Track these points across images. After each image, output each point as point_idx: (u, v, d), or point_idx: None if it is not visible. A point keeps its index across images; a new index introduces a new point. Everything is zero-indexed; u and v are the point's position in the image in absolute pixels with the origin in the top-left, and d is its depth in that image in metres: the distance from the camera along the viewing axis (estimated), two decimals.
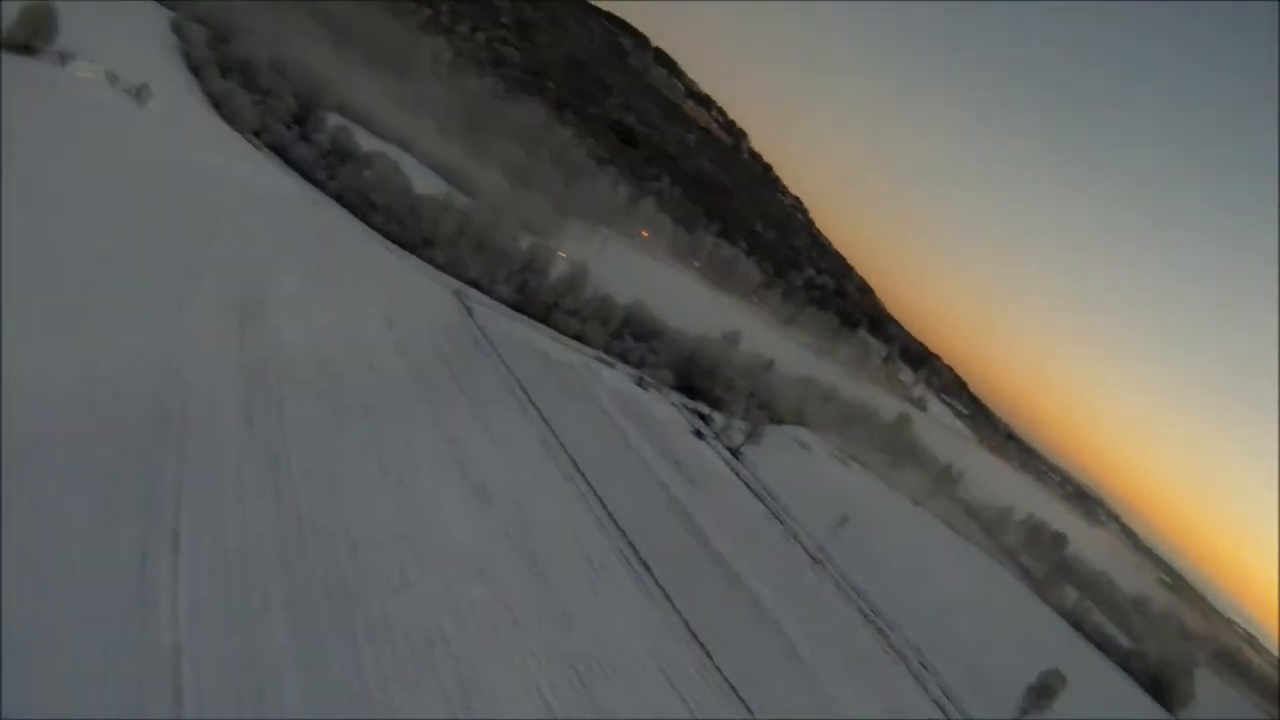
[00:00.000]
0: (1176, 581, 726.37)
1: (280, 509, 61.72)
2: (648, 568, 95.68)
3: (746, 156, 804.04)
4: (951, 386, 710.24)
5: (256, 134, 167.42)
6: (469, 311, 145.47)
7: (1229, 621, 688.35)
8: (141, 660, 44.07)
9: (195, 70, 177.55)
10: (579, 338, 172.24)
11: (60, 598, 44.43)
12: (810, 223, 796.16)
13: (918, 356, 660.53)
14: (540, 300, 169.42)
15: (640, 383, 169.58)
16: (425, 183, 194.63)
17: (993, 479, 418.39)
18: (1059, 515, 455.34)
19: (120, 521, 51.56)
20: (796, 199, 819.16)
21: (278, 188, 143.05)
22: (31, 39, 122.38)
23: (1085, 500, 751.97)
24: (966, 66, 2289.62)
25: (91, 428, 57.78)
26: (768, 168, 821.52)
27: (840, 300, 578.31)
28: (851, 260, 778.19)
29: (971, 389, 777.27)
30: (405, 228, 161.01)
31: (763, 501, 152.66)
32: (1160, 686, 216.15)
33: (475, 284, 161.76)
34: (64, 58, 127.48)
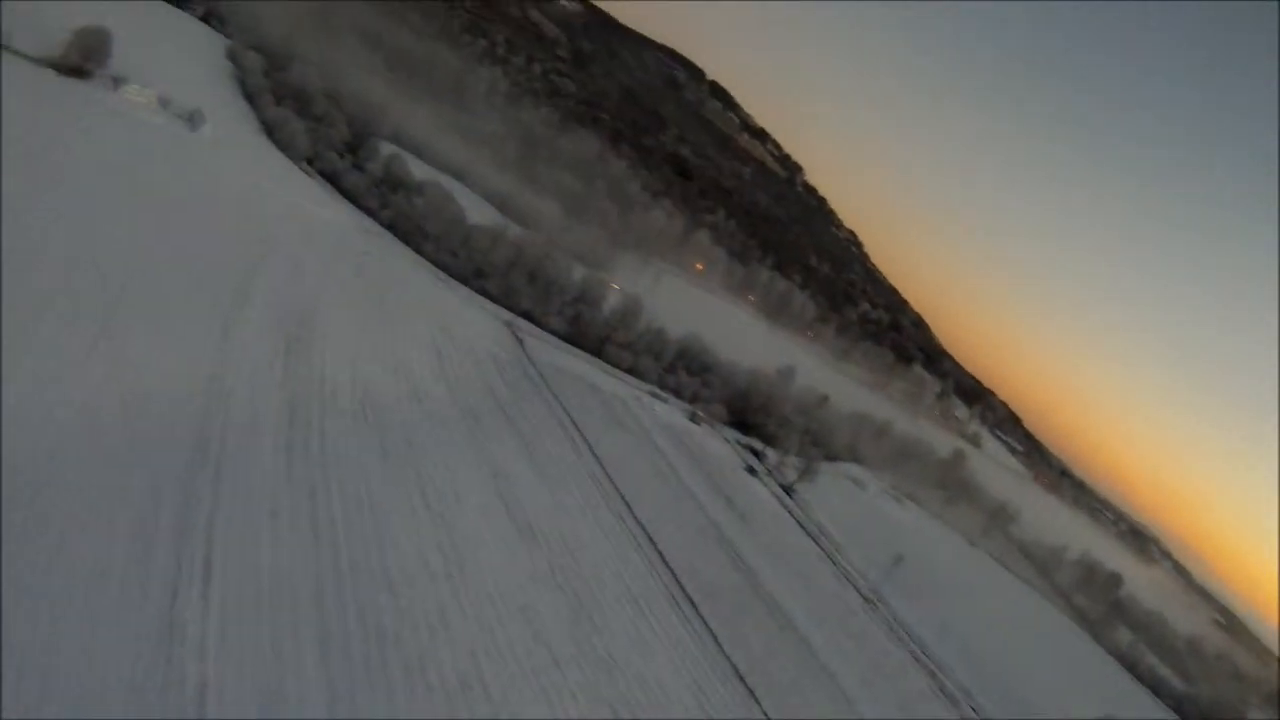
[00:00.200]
0: (1230, 621, 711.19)
1: (317, 542, 60.43)
2: (695, 609, 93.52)
3: (801, 190, 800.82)
4: (1006, 422, 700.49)
5: (309, 161, 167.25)
6: (520, 343, 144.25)
7: None
8: (165, 695, 43.24)
9: (250, 97, 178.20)
10: (632, 371, 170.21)
11: (85, 625, 43.62)
12: (865, 256, 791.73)
13: (972, 392, 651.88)
14: (593, 333, 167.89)
15: (693, 418, 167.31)
16: (479, 212, 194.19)
17: (1047, 517, 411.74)
18: (1113, 554, 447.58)
19: (152, 549, 50.81)
20: (851, 232, 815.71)
21: (329, 216, 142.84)
22: (84, 62, 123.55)
23: (1138, 538, 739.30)
24: (1027, 106, 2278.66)
25: (128, 452, 57.15)
26: (822, 201, 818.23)
27: (895, 335, 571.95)
28: (906, 294, 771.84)
29: (1025, 425, 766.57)
30: (457, 257, 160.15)
31: (815, 540, 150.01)
32: None
33: (527, 315, 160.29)
34: (117, 82, 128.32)
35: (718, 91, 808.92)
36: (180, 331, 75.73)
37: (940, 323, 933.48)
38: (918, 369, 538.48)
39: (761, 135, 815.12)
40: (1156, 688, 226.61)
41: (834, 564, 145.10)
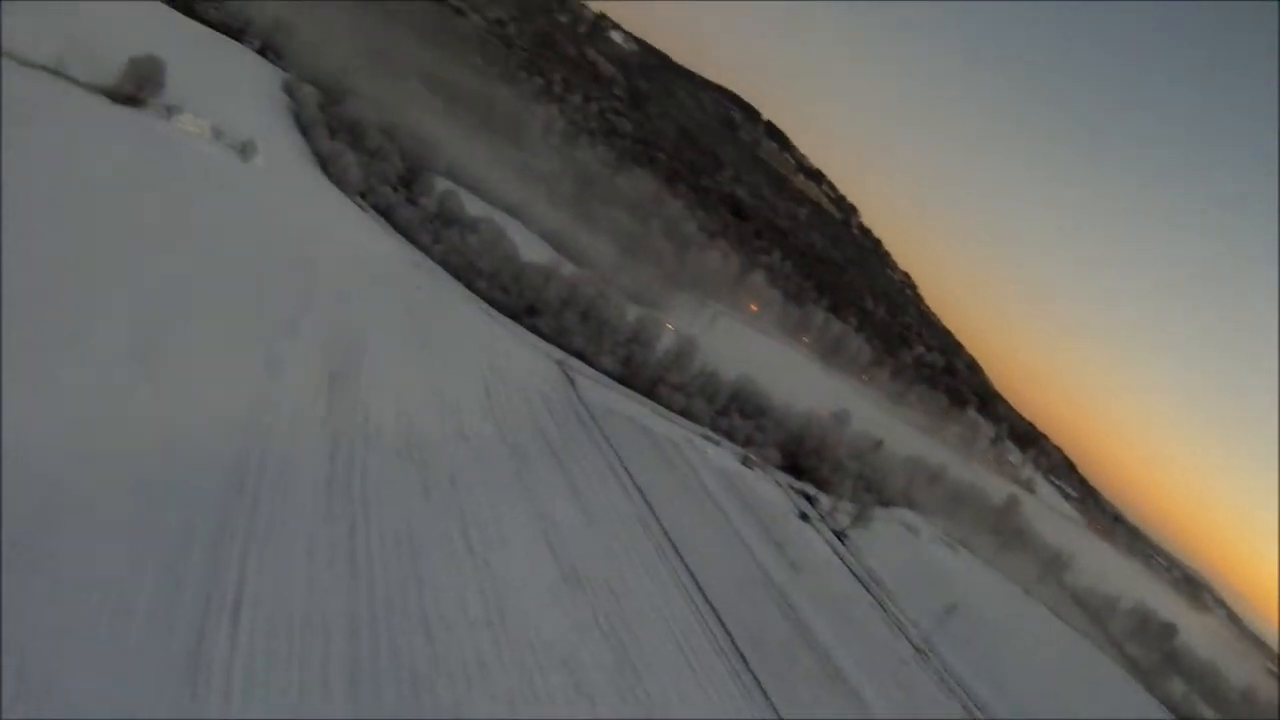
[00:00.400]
0: None
1: (353, 583, 58.89)
2: (743, 658, 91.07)
3: (856, 231, 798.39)
4: (1060, 468, 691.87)
5: (362, 195, 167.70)
6: (571, 382, 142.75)
7: None
8: None
9: (304, 130, 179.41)
10: (684, 413, 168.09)
11: (107, 661, 42.47)
12: (919, 298, 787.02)
13: (1026, 436, 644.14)
14: (646, 373, 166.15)
15: (745, 461, 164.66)
16: (533, 250, 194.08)
17: (1100, 564, 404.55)
18: (1166, 602, 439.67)
19: (181, 585, 49.66)
20: (905, 274, 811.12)
21: (380, 250, 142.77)
22: (138, 91, 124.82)
23: (1191, 585, 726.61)
24: (1090, 150, 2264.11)
25: (163, 484, 56.22)
26: (877, 243, 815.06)
27: (949, 378, 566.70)
28: (960, 336, 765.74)
29: (1079, 470, 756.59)
30: (509, 294, 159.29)
31: (867, 589, 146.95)
32: None
33: (580, 354, 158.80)
34: (170, 111, 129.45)
35: (773, 132, 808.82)
36: (224, 362, 75.13)
37: (994, 365, 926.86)
38: (972, 413, 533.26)
39: (817, 176, 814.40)
40: None
41: (885, 613, 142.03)
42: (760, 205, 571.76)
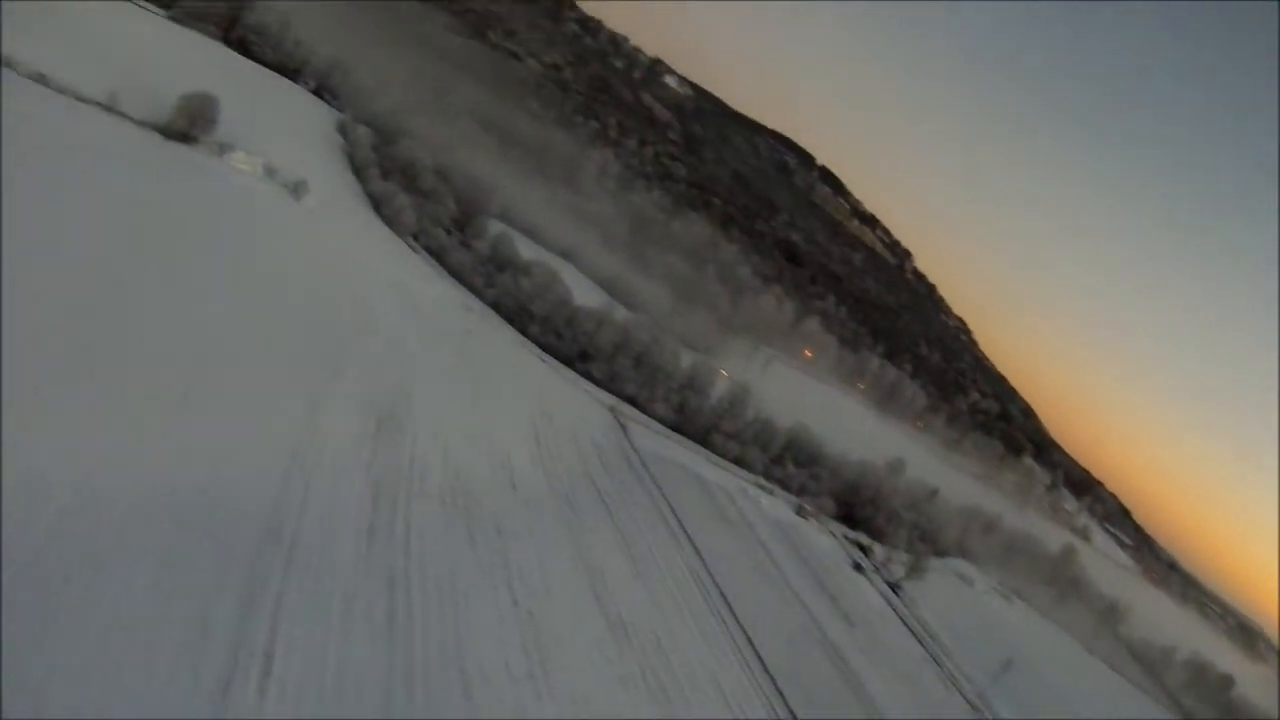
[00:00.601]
0: None
1: (391, 635, 56.83)
2: (793, 715, 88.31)
3: (910, 276, 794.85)
4: (1115, 514, 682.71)
5: (415, 237, 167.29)
6: (624, 430, 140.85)
7: None
8: None
9: (357, 171, 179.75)
10: (738, 461, 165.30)
11: (128, 711, 40.62)
12: (973, 344, 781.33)
13: (1081, 484, 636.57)
14: (700, 421, 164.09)
15: (800, 511, 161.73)
16: (586, 294, 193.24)
17: (1156, 614, 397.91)
18: (1222, 652, 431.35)
19: (209, 633, 47.61)
20: (960, 319, 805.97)
21: (431, 292, 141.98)
22: (191, 128, 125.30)
23: (1246, 633, 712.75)
24: (1143, 199, 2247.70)
25: (196, 527, 54.43)
26: (931, 288, 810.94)
27: (1004, 425, 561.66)
28: (1014, 382, 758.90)
29: (1135, 517, 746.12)
30: (562, 339, 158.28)
31: (921, 643, 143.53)
32: None
33: (633, 401, 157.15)
34: (223, 148, 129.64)
35: (828, 177, 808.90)
36: (266, 404, 73.62)
37: (1048, 411, 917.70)
38: (1027, 460, 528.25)
39: (871, 221, 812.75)
40: None
41: (940, 667, 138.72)
42: (815, 250, 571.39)
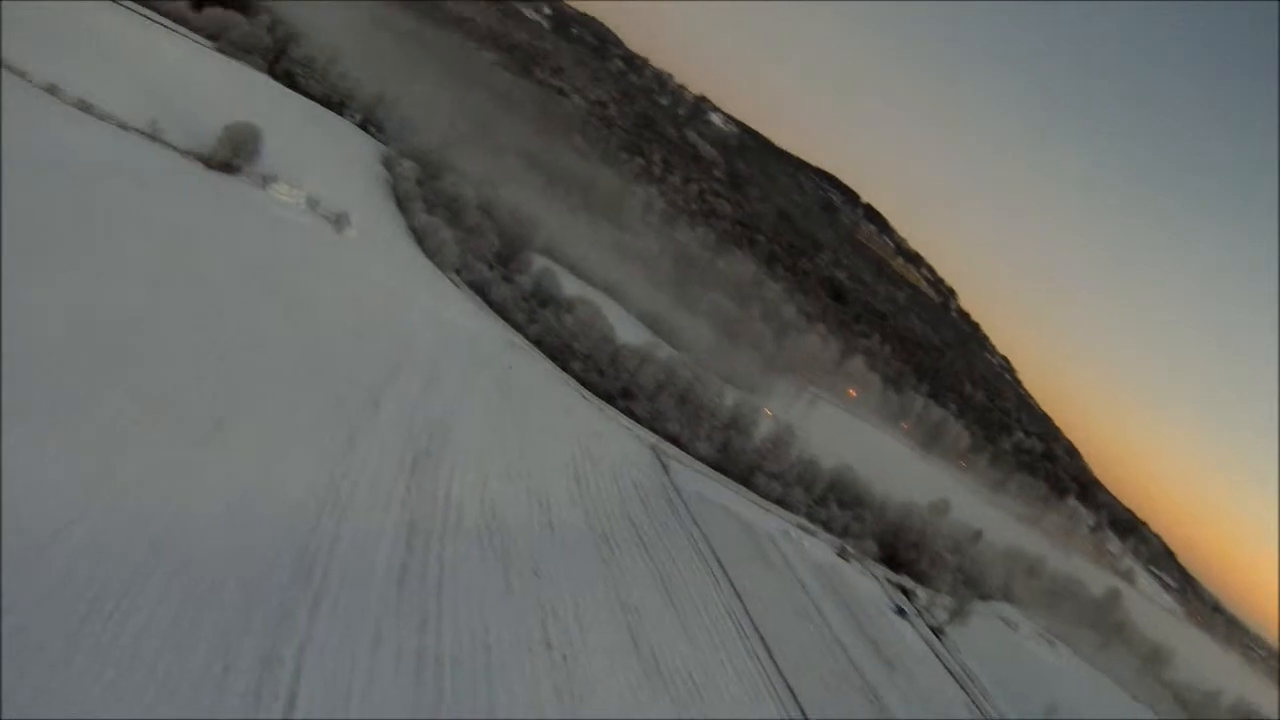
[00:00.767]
0: None
1: (419, 680, 54.87)
2: None
3: (955, 314, 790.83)
4: (1159, 556, 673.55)
5: (458, 272, 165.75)
6: (665, 469, 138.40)
7: None
8: None
9: (401, 204, 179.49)
10: (781, 502, 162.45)
11: None
12: (1018, 382, 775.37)
13: (1126, 525, 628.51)
14: (743, 461, 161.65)
15: (842, 553, 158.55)
16: (629, 331, 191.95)
17: (1200, 657, 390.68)
18: (1268, 695, 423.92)
19: (232, 671, 46.08)
20: (1004, 358, 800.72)
21: (473, 327, 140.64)
22: (233, 157, 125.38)
23: None
24: (1188, 236, 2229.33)
25: (225, 560, 52.84)
26: (976, 326, 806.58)
27: (1049, 465, 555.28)
28: (1058, 421, 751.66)
29: (1179, 559, 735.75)
30: (604, 376, 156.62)
31: (964, 688, 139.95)
32: None
33: (675, 440, 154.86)
34: (266, 179, 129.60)
35: (873, 214, 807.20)
36: (302, 436, 72.22)
37: (1091, 449, 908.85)
38: (1072, 501, 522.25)
39: (916, 259, 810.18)
40: None
41: (983, 714, 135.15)
42: (859, 288, 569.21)
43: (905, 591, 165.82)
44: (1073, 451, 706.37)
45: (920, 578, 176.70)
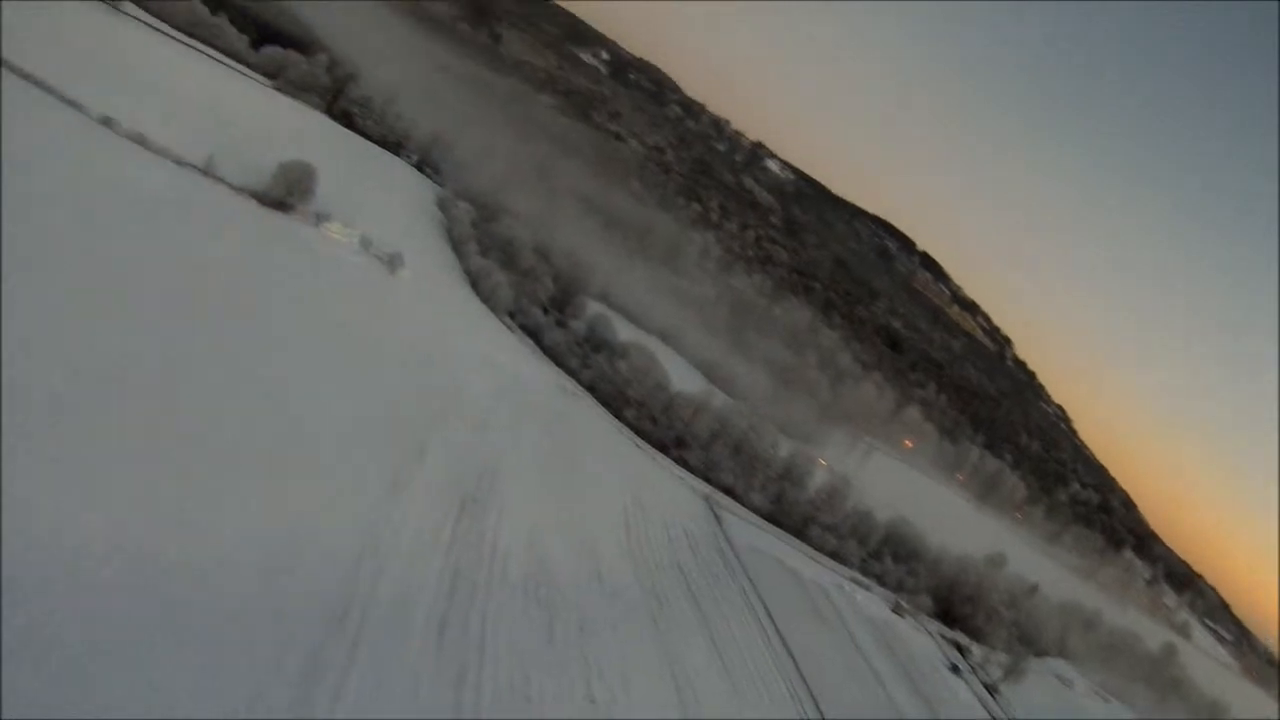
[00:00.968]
0: None
1: None
2: None
3: (1011, 363, 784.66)
4: (1215, 609, 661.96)
5: (511, 315, 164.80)
6: (718, 520, 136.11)
7: None
8: None
9: (456, 246, 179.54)
10: (835, 555, 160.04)
11: None
12: (1074, 432, 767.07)
13: (1182, 578, 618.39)
14: (797, 512, 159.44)
15: (896, 608, 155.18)
16: (684, 378, 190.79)
17: (1257, 712, 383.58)
18: None
19: None
20: (1060, 407, 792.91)
21: (525, 372, 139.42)
22: (287, 195, 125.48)
23: None
24: (1242, 284, 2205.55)
25: (258, 607, 50.96)
26: (1032, 375, 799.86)
27: (1105, 516, 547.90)
28: (1114, 471, 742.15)
29: (1235, 612, 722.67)
30: (658, 424, 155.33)
31: None
32: None
33: (728, 490, 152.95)
34: (319, 218, 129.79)
35: (928, 262, 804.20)
36: (345, 480, 70.50)
37: (1146, 500, 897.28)
38: (1128, 553, 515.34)
39: (972, 307, 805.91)
40: None
41: None
42: (915, 337, 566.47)
43: (959, 648, 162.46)
44: (1129, 503, 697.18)
45: (975, 633, 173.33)
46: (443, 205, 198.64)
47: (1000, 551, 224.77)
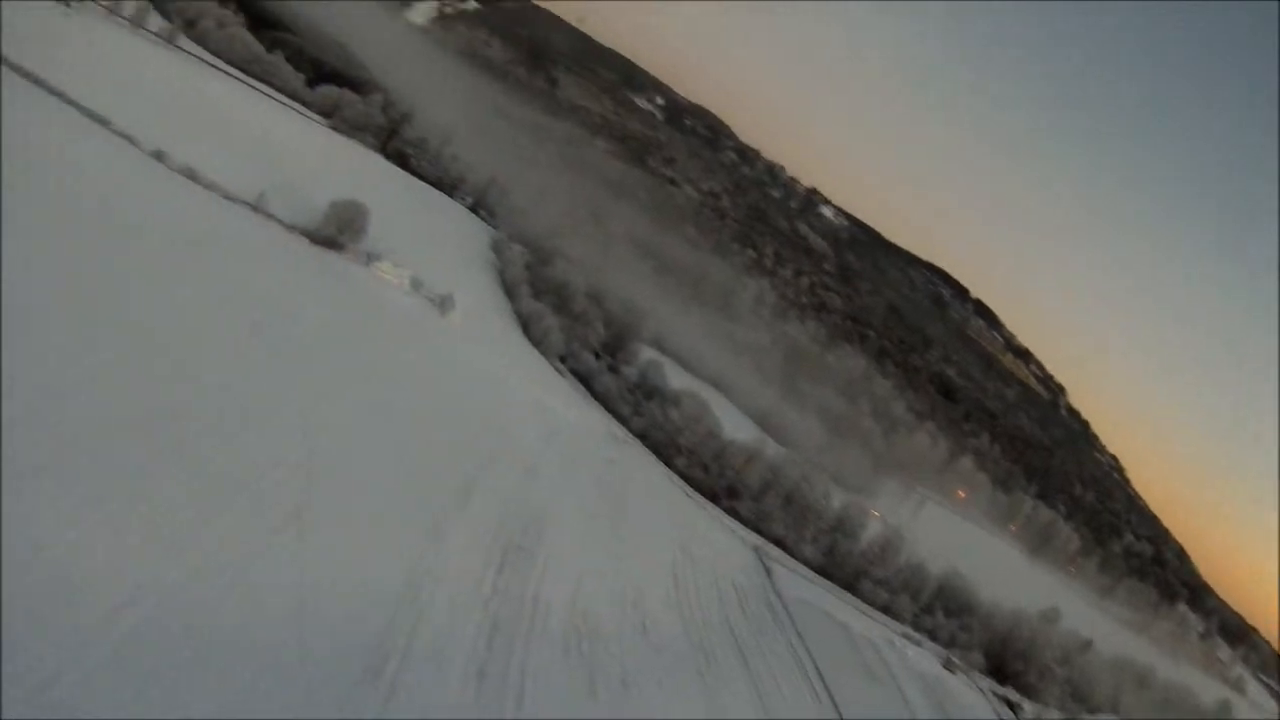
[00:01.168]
0: None
1: None
2: None
3: (1064, 412, 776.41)
4: (1269, 663, 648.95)
5: (563, 359, 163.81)
6: (768, 572, 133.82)
7: None
8: None
9: (508, 289, 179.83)
10: (886, 609, 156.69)
11: None
12: (1127, 482, 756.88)
13: (1235, 631, 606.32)
14: (849, 565, 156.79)
15: (948, 665, 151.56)
16: (737, 426, 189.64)
17: None
18: None
19: None
20: (1113, 457, 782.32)
21: (575, 417, 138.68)
22: (339, 234, 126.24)
23: None
24: None
25: (284, 661, 48.91)
26: (1085, 424, 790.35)
27: (1158, 569, 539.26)
28: (1167, 522, 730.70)
29: None
30: (709, 473, 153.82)
31: None
32: None
33: (779, 542, 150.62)
34: (369, 257, 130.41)
35: (982, 309, 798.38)
36: (384, 526, 68.87)
37: (1198, 550, 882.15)
38: (1181, 607, 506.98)
39: (1025, 355, 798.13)
40: None
41: None
42: (969, 385, 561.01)
43: (1011, 705, 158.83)
44: (1182, 554, 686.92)
45: (1027, 690, 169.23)
46: (496, 248, 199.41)
47: (1054, 606, 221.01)
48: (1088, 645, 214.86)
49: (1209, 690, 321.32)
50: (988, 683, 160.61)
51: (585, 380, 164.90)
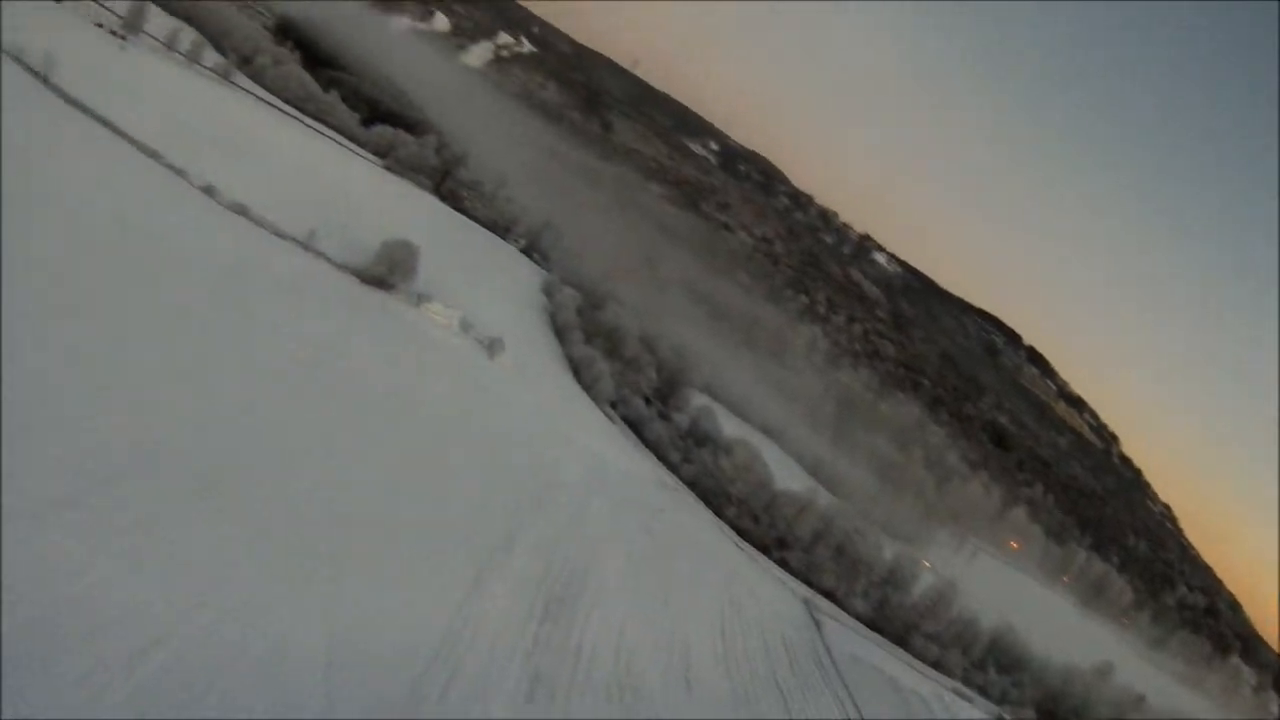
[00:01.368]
0: None
1: None
2: None
3: (1117, 461, 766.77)
4: None
5: (613, 405, 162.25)
6: (818, 626, 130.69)
7: None
8: None
9: (559, 333, 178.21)
10: (937, 665, 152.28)
11: None
12: (1179, 532, 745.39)
13: None
14: (900, 619, 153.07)
15: None
16: (788, 476, 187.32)
17: None
18: None
19: None
20: (1166, 506, 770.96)
21: (624, 465, 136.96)
22: (389, 274, 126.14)
23: None
24: None
25: (317, 709, 47.18)
26: (1138, 473, 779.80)
27: (1211, 621, 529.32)
28: (1219, 572, 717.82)
29: None
30: (759, 523, 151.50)
31: None
32: None
33: (829, 594, 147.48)
34: (419, 298, 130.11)
35: (1035, 357, 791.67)
36: (424, 573, 67.32)
37: (1250, 601, 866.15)
38: (1235, 659, 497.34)
39: (1078, 403, 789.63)
40: None
41: None
42: (1022, 434, 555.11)
43: None
44: (1235, 605, 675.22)
45: None
46: (548, 291, 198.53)
47: (1107, 660, 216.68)
48: (1140, 700, 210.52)
49: None
50: None
51: (636, 427, 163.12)
